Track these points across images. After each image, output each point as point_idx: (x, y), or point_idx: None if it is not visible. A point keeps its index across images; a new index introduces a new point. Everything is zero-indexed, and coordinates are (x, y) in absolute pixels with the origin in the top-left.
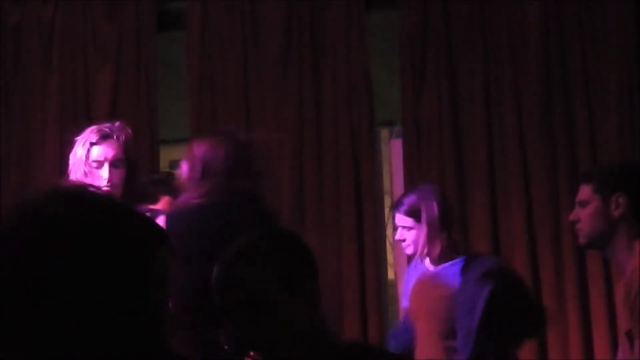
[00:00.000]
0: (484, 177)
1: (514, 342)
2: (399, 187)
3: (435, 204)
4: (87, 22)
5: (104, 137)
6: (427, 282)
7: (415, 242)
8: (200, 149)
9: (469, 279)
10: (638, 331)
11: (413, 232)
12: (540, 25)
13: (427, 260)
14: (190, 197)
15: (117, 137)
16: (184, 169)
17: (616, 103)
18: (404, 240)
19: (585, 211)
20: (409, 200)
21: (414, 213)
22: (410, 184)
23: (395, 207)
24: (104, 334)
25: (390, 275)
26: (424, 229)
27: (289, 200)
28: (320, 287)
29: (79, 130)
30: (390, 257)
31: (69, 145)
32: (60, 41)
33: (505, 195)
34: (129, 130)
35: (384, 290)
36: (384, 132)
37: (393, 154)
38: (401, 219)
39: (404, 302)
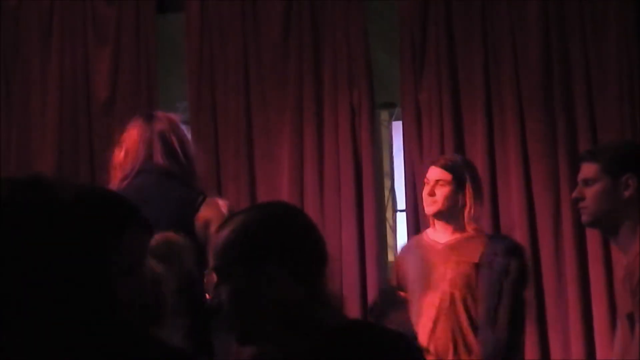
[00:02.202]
0: (483, 158)
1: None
2: (398, 169)
3: (474, 169)
4: (86, 5)
5: None
6: (444, 250)
7: (445, 200)
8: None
9: (495, 252)
10: (639, 314)
11: (446, 189)
12: (541, 7)
13: (430, 231)
14: (113, 182)
15: None
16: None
17: (615, 83)
18: (432, 195)
19: (591, 190)
20: (453, 158)
21: (454, 169)
22: (409, 166)
23: (435, 161)
24: (65, 328)
25: (390, 257)
26: (459, 188)
27: (289, 182)
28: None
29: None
30: (390, 239)
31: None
32: (60, 24)
33: (505, 176)
34: None
35: (383, 272)
36: (384, 114)
37: (393, 136)
38: (439, 173)
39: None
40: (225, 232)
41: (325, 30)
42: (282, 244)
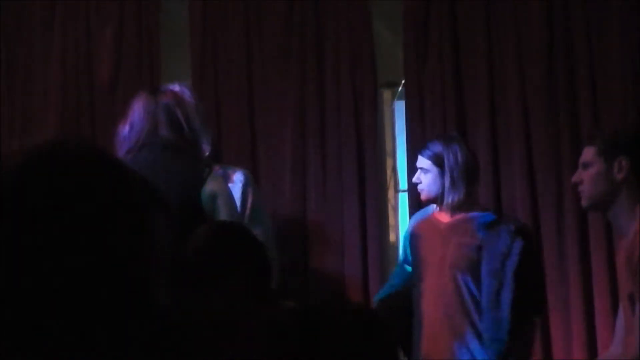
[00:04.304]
0: (487, 139)
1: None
2: (401, 149)
3: (458, 152)
4: None
5: None
6: (446, 231)
7: (430, 187)
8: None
9: (498, 233)
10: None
11: (430, 176)
12: None
13: (436, 211)
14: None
15: None
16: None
17: (619, 69)
18: (419, 184)
19: (588, 173)
20: (433, 144)
21: (434, 156)
22: (412, 146)
23: (420, 149)
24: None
25: (392, 237)
26: (441, 174)
27: (292, 162)
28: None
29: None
30: (392, 219)
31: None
32: (63, 4)
33: (507, 157)
34: None
35: (385, 252)
36: (387, 94)
37: (396, 115)
38: (421, 161)
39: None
40: (187, 252)
41: (328, 9)
42: (229, 263)
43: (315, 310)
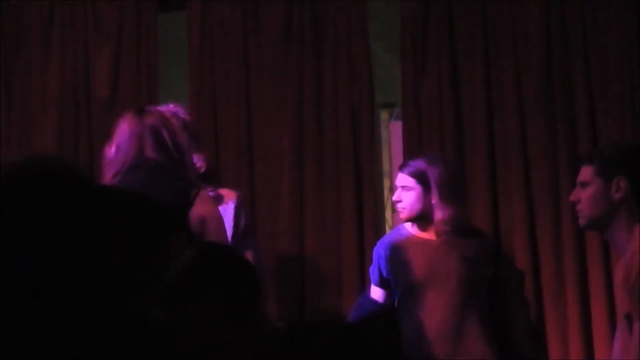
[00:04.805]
0: (484, 159)
1: None
2: None
3: (441, 170)
4: (87, 3)
5: None
6: (435, 250)
7: (412, 205)
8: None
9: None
10: (637, 314)
11: (412, 194)
12: (542, 8)
13: (414, 229)
14: (105, 178)
15: None
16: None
17: (617, 86)
18: (400, 202)
19: (586, 192)
20: (416, 162)
21: (417, 174)
22: None
23: (400, 167)
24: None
25: None
26: (425, 192)
27: (289, 181)
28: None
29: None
30: None
31: (69, 128)
32: (61, 23)
33: (505, 177)
34: None
35: None
36: (384, 114)
37: (393, 136)
38: (403, 179)
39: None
40: (170, 273)
41: (326, 30)
42: (217, 286)
43: (301, 331)
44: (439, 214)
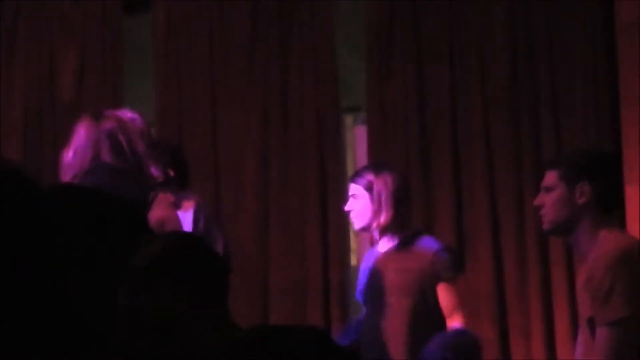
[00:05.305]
0: (449, 163)
1: None
2: None
3: (389, 178)
4: (52, 5)
5: None
6: (385, 260)
7: (362, 213)
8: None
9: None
10: (600, 318)
11: (361, 202)
12: (507, 12)
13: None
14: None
15: None
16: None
17: (581, 88)
18: (350, 211)
19: (550, 197)
20: (364, 170)
21: (365, 182)
22: None
23: (351, 177)
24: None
25: (354, 261)
26: (371, 200)
27: (254, 184)
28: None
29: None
30: (353, 243)
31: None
32: (25, 24)
33: (469, 182)
34: None
35: (347, 276)
36: (349, 119)
37: (357, 140)
38: (352, 188)
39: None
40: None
41: (292, 33)
42: (185, 271)
43: (269, 330)
44: (374, 220)
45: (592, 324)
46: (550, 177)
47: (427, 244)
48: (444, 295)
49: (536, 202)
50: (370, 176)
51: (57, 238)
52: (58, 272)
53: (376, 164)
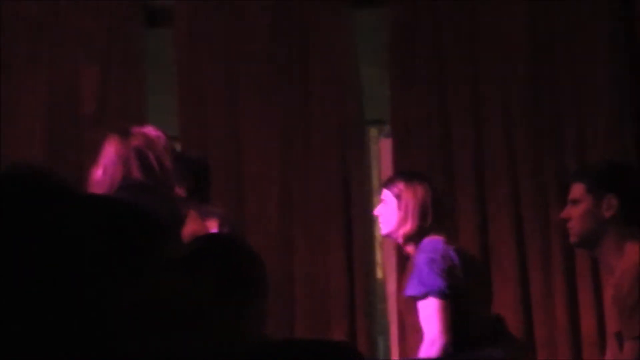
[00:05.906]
0: (472, 175)
1: None
2: None
3: (419, 187)
4: (74, 20)
5: None
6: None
7: (388, 220)
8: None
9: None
10: (628, 333)
11: (389, 209)
12: (528, 23)
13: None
14: None
15: None
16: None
17: (605, 102)
18: (379, 216)
19: (577, 210)
20: (396, 177)
21: (394, 189)
22: None
23: (384, 182)
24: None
25: (379, 274)
26: (399, 208)
27: (277, 199)
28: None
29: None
30: (379, 256)
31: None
32: (48, 40)
33: (493, 193)
34: None
35: (372, 289)
36: (373, 131)
37: (382, 153)
38: (384, 193)
39: None
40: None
41: (314, 46)
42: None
43: (296, 345)
44: (399, 229)
45: (620, 338)
46: (577, 190)
47: None
48: None
49: (563, 214)
50: (400, 184)
51: (87, 245)
52: (80, 277)
53: (409, 173)
